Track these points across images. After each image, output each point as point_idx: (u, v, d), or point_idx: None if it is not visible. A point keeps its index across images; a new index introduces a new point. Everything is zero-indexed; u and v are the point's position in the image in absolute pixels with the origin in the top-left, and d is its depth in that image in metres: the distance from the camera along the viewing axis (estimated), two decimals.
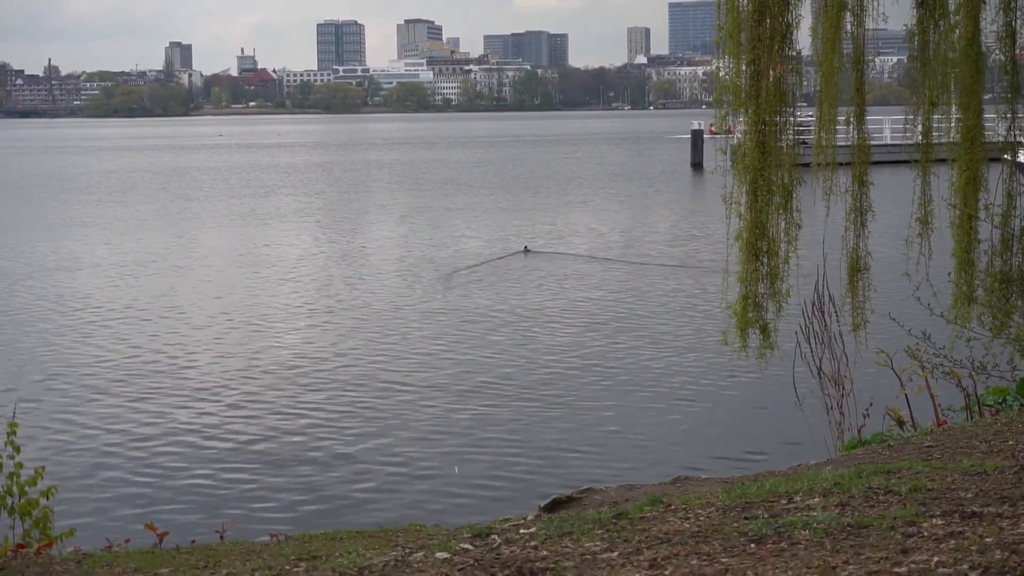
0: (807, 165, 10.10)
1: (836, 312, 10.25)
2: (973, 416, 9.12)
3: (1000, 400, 9.39)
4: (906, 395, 9.33)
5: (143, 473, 13.88)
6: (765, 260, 9.86)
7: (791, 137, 9.86)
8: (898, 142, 10.43)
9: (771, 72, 9.64)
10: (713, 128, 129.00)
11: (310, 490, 13.21)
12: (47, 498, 6.94)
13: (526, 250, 33.91)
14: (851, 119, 10.07)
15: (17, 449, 7.06)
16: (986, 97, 11.01)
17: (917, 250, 10.34)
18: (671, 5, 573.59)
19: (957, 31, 10.32)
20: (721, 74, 9.93)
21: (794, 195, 9.86)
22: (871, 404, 9.55)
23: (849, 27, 9.92)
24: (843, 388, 9.98)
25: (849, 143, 10.29)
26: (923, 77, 10.35)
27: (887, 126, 55.19)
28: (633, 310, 23.85)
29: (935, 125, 10.57)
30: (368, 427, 15.58)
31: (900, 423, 9.23)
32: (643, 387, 17.37)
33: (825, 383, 10.09)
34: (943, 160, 10.76)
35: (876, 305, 10.36)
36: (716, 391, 16.93)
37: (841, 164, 10.15)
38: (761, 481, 6.80)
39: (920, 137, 10.37)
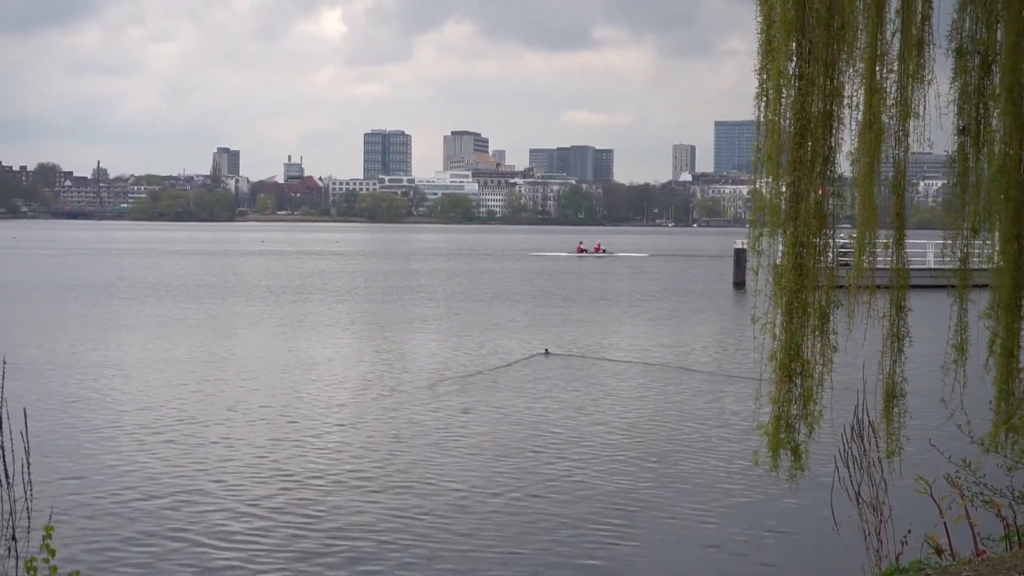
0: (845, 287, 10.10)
1: (875, 437, 10.15)
2: (1012, 547, 8.98)
3: None
4: (945, 523, 9.18)
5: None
6: (798, 381, 9.81)
7: (830, 259, 9.86)
8: (940, 267, 10.43)
9: (812, 194, 9.69)
10: (581, 246, 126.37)
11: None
12: None
13: (546, 353, 34.14)
14: (890, 243, 10.09)
15: (52, 553, 7.06)
16: None
17: (953, 376, 10.27)
18: (717, 123, 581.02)
19: (1001, 159, 10.37)
20: (763, 193, 9.99)
21: (831, 317, 9.84)
22: (909, 531, 9.39)
23: (891, 151, 10.00)
24: (881, 514, 9.84)
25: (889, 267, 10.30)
26: (962, 203, 10.40)
27: (930, 250, 55.12)
28: (662, 419, 23.80)
29: (976, 252, 10.58)
30: (380, 529, 15.45)
31: (938, 551, 9.07)
32: (673, 503, 17.16)
33: (863, 509, 9.95)
34: (984, 286, 10.74)
35: (915, 431, 10.27)
36: (751, 512, 16.68)
37: (881, 287, 10.14)
38: None
39: (958, 263, 10.40)
